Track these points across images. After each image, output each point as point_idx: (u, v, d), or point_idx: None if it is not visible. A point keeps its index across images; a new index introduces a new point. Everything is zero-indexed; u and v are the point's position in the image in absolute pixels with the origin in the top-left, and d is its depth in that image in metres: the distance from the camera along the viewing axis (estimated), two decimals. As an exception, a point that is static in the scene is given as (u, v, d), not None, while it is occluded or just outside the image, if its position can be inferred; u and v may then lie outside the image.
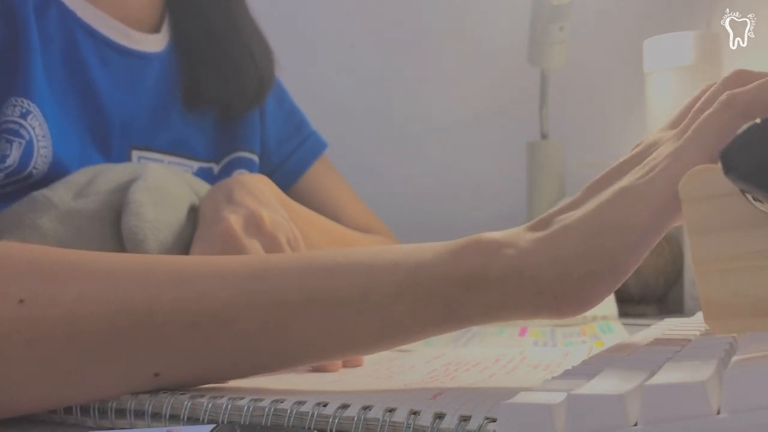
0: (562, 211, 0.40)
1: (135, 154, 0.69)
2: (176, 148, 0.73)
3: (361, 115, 1.33)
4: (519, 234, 0.40)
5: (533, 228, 0.40)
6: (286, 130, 0.86)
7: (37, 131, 0.60)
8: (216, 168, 0.77)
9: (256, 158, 0.80)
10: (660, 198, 0.36)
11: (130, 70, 0.70)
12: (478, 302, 0.38)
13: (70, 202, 0.57)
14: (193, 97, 0.75)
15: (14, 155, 0.59)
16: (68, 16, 0.66)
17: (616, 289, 0.39)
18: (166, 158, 0.72)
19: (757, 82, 0.36)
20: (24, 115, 0.60)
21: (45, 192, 0.58)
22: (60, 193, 0.57)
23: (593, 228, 0.38)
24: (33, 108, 0.61)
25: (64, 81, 0.64)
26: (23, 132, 0.60)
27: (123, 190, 0.58)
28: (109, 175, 0.60)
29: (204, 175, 0.75)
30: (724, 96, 0.36)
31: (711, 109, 0.37)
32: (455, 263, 0.38)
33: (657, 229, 0.37)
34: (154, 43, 0.73)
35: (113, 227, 0.57)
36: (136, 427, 0.34)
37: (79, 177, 0.60)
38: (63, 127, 0.63)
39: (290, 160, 0.86)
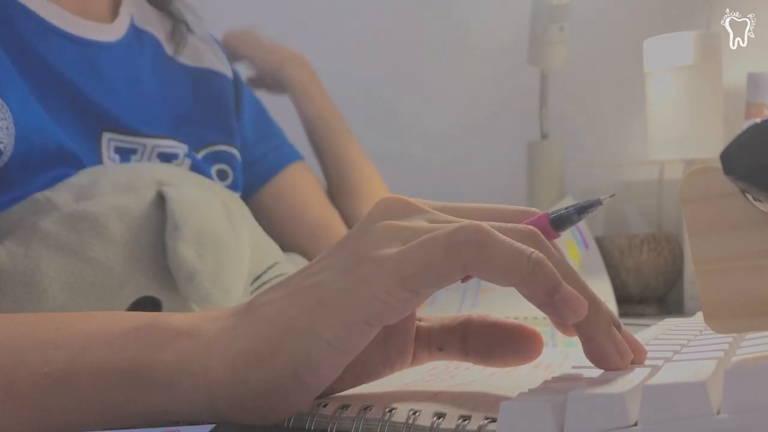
0: (276, 289, 0.34)
1: (105, 136, 0.67)
2: (152, 130, 0.71)
3: (362, 116, 1.33)
4: (208, 320, 0.34)
5: (234, 312, 0.35)
6: (262, 131, 0.87)
7: None
8: (197, 156, 0.76)
9: (236, 151, 0.80)
10: (350, 316, 0.31)
11: (78, 55, 0.67)
12: (141, 401, 0.33)
13: (72, 204, 0.57)
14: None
15: None
16: None
17: (308, 401, 0.33)
18: (143, 140, 0.69)
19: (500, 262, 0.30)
20: None
21: (47, 193, 0.58)
22: (62, 194, 0.57)
23: (278, 325, 0.32)
24: None
25: (8, 60, 0.61)
26: None
27: (125, 192, 0.58)
28: (110, 176, 0.60)
29: (192, 158, 0.74)
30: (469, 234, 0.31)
31: (442, 237, 0.31)
32: (120, 351, 0.33)
33: (343, 346, 0.32)
34: (105, 33, 0.71)
35: (115, 231, 0.56)
36: (137, 427, 0.34)
37: (80, 178, 0.59)
38: (23, 99, 0.61)
39: (267, 158, 0.87)
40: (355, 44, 1.36)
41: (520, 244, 0.31)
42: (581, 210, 0.36)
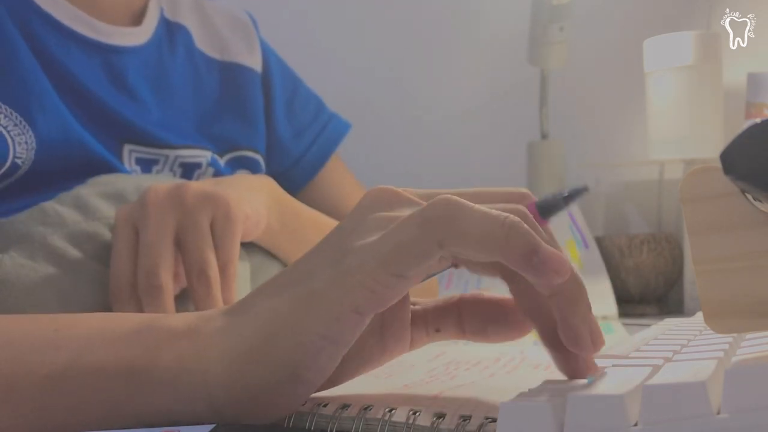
0: (268, 286, 0.35)
1: (127, 147, 0.67)
2: (176, 139, 0.71)
3: (362, 117, 1.33)
4: (204, 319, 0.34)
5: (229, 311, 0.35)
6: (303, 119, 0.85)
7: (2, 122, 0.58)
8: (221, 161, 0.76)
9: (260, 159, 0.79)
10: (339, 306, 0.31)
11: (102, 64, 0.67)
12: (141, 401, 0.33)
13: (82, 222, 0.56)
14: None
15: None
16: (24, 3, 0.63)
17: (308, 396, 0.33)
18: (165, 152, 0.69)
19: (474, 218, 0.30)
20: None
21: (56, 207, 0.57)
22: (70, 209, 0.56)
23: (271, 322, 0.32)
24: None
25: (28, 68, 0.61)
26: None
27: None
28: (119, 191, 0.59)
29: (215, 166, 0.74)
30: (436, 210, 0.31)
31: (417, 216, 0.31)
32: (119, 352, 0.33)
33: (336, 338, 0.31)
34: (131, 36, 0.71)
35: None
36: (137, 427, 0.34)
37: (89, 190, 0.59)
38: (53, 108, 0.61)
39: (311, 150, 0.85)
40: (348, 54, 1.36)
41: (492, 210, 0.30)
42: (568, 198, 0.36)
